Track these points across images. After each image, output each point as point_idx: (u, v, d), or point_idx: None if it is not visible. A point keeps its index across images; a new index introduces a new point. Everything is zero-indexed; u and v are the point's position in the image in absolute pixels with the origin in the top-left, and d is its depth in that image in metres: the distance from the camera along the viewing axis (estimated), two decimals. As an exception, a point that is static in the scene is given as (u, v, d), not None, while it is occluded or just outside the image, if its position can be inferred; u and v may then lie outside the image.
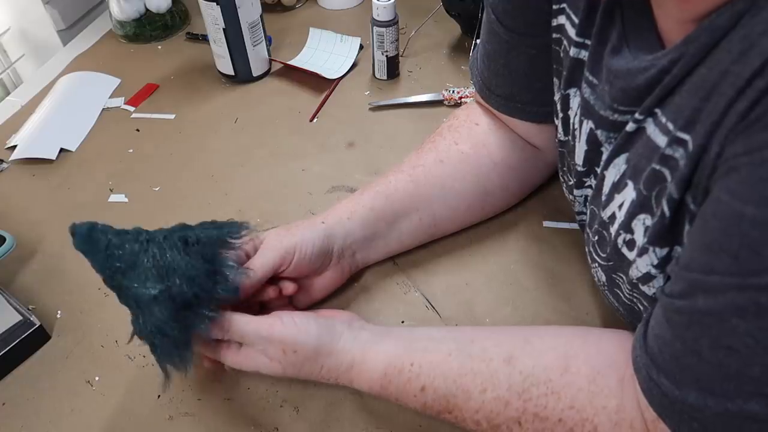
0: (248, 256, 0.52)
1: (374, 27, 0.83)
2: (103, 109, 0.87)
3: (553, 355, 0.44)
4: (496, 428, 0.44)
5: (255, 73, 0.90)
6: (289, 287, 0.53)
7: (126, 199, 0.73)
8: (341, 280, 0.59)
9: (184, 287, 0.45)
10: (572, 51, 0.47)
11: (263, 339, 0.47)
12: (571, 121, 0.50)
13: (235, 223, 0.50)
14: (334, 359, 0.48)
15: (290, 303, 0.57)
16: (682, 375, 0.34)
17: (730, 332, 0.31)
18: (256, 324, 0.47)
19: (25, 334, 0.56)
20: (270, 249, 0.52)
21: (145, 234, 0.46)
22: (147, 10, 0.99)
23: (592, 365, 0.42)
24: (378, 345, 0.49)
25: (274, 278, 0.54)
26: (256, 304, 0.56)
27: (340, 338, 0.49)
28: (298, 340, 0.47)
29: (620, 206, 0.42)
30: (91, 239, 0.45)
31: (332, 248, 0.56)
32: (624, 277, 0.44)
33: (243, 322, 0.47)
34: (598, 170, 0.46)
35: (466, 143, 0.62)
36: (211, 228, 0.49)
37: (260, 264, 0.51)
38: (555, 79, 0.53)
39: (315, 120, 0.83)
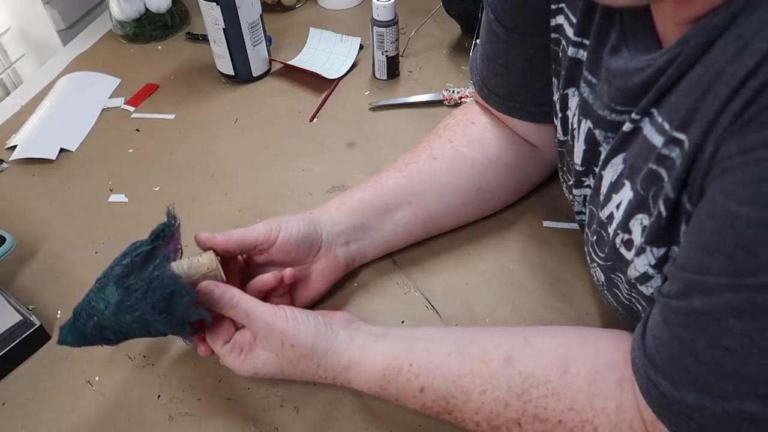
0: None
1: (374, 27, 0.83)
2: (103, 109, 0.87)
3: (553, 356, 0.44)
4: (496, 429, 0.44)
5: (255, 73, 0.90)
6: (288, 273, 0.54)
7: (126, 199, 0.73)
8: (337, 269, 0.59)
9: (122, 260, 0.46)
10: (570, 51, 0.47)
11: (266, 325, 0.47)
12: (570, 120, 0.50)
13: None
14: (331, 358, 0.48)
15: (291, 302, 0.57)
16: (679, 375, 0.35)
17: (726, 332, 0.31)
18: (263, 308, 0.48)
19: (25, 334, 0.56)
20: (255, 225, 0.54)
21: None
22: (147, 10, 0.99)
23: (592, 366, 0.42)
24: (376, 345, 0.49)
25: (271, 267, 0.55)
26: (260, 297, 0.56)
27: (336, 337, 0.49)
28: (297, 334, 0.48)
29: (618, 206, 0.42)
30: (68, 325, 0.48)
31: (320, 234, 0.56)
32: (622, 277, 0.44)
33: (251, 302, 0.48)
34: (597, 170, 0.46)
35: (460, 141, 0.62)
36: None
37: (242, 230, 0.52)
38: (554, 79, 0.53)
39: (315, 120, 0.83)
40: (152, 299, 0.45)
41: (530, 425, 0.43)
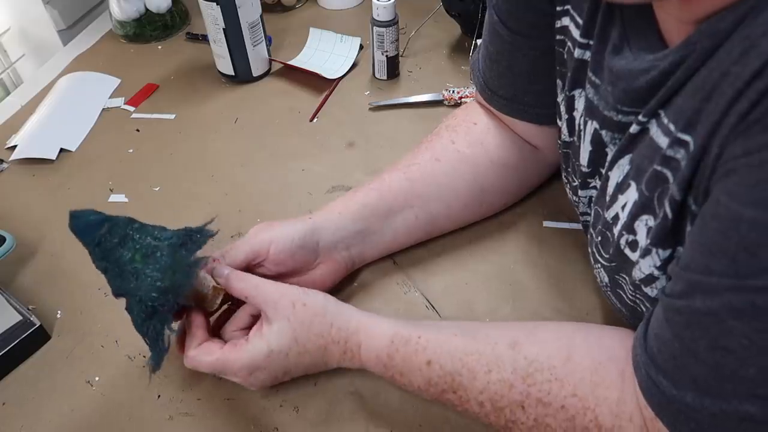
0: None
1: (374, 27, 0.83)
2: (103, 109, 0.87)
3: (557, 345, 0.44)
4: (500, 411, 0.44)
5: (255, 73, 0.90)
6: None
7: (126, 199, 0.73)
8: (337, 275, 0.59)
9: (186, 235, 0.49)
10: (576, 52, 0.47)
11: (276, 291, 0.49)
12: (577, 122, 0.50)
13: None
14: (343, 317, 0.49)
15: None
16: (680, 375, 0.35)
17: (726, 333, 0.31)
18: (269, 282, 0.50)
19: (25, 334, 0.56)
20: (244, 242, 0.54)
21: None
22: (147, 10, 0.99)
23: (594, 357, 0.42)
24: (383, 319, 0.50)
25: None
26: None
27: (344, 306, 0.51)
28: (307, 293, 0.49)
29: (623, 207, 0.42)
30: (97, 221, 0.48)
31: (317, 242, 0.56)
32: (627, 279, 0.44)
33: (258, 279, 0.50)
34: (603, 171, 0.46)
35: (463, 142, 0.62)
36: None
37: (232, 255, 0.53)
38: (558, 81, 0.53)
39: (315, 120, 0.83)
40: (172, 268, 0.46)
41: (533, 408, 0.43)
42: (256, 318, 0.52)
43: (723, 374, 0.32)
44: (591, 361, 0.42)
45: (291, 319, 0.48)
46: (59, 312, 0.61)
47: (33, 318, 0.57)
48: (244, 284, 0.49)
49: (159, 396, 0.53)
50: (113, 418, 0.52)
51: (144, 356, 0.56)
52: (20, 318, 0.56)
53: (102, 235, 0.47)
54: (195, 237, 0.49)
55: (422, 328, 0.48)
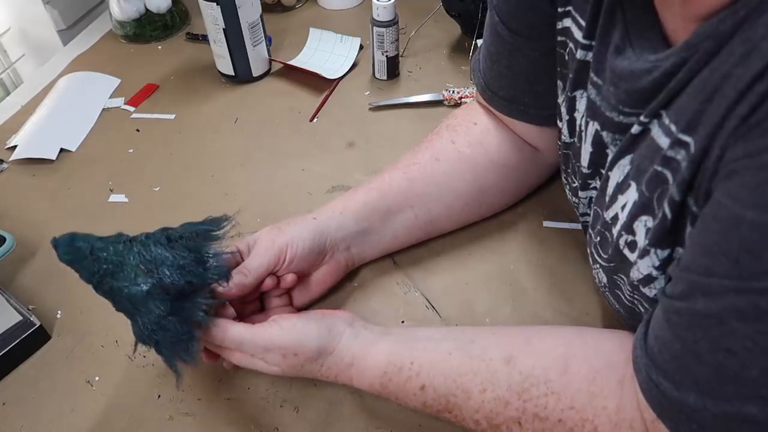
0: (242, 256, 0.53)
1: (374, 27, 0.83)
2: (103, 109, 0.87)
3: (553, 356, 0.44)
4: (497, 428, 0.44)
5: (255, 73, 0.90)
6: (287, 278, 0.54)
7: (126, 199, 0.73)
8: (338, 274, 0.59)
9: (174, 277, 0.45)
10: (579, 53, 0.47)
11: (261, 348, 0.47)
12: (578, 123, 0.50)
13: (216, 217, 0.50)
14: (335, 357, 0.48)
15: (290, 302, 0.57)
16: (681, 376, 0.35)
17: (729, 335, 0.31)
18: (253, 333, 0.47)
19: (25, 334, 0.56)
20: (263, 249, 0.53)
21: (127, 236, 0.46)
22: (147, 10, 0.99)
23: (591, 365, 0.42)
24: (378, 343, 0.49)
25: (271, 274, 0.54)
26: (257, 301, 0.56)
27: (341, 337, 0.49)
28: (298, 344, 0.47)
29: (623, 207, 0.42)
30: (74, 247, 0.45)
31: (325, 243, 0.56)
32: (625, 279, 0.44)
33: (239, 331, 0.47)
34: (603, 171, 0.46)
35: (463, 142, 0.62)
36: (192, 224, 0.49)
37: (255, 266, 0.52)
38: (559, 82, 0.53)
39: (315, 120, 0.83)
40: (161, 332, 0.44)
41: (530, 424, 0.43)
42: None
43: (725, 375, 0.32)
44: (588, 370, 0.42)
45: (281, 365, 0.48)
46: (59, 312, 0.61)
47: (33, 318, 0.57)
48: (226, 343, 0.48)
49: (159, 396, 0.53)
50: (113, 418, 0.52)
51: (144, 356, 0.56)
52: (20, 318, 0.56)
53: (90, 265, 0.44)
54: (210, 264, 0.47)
55: (416, 349, 0.48)
